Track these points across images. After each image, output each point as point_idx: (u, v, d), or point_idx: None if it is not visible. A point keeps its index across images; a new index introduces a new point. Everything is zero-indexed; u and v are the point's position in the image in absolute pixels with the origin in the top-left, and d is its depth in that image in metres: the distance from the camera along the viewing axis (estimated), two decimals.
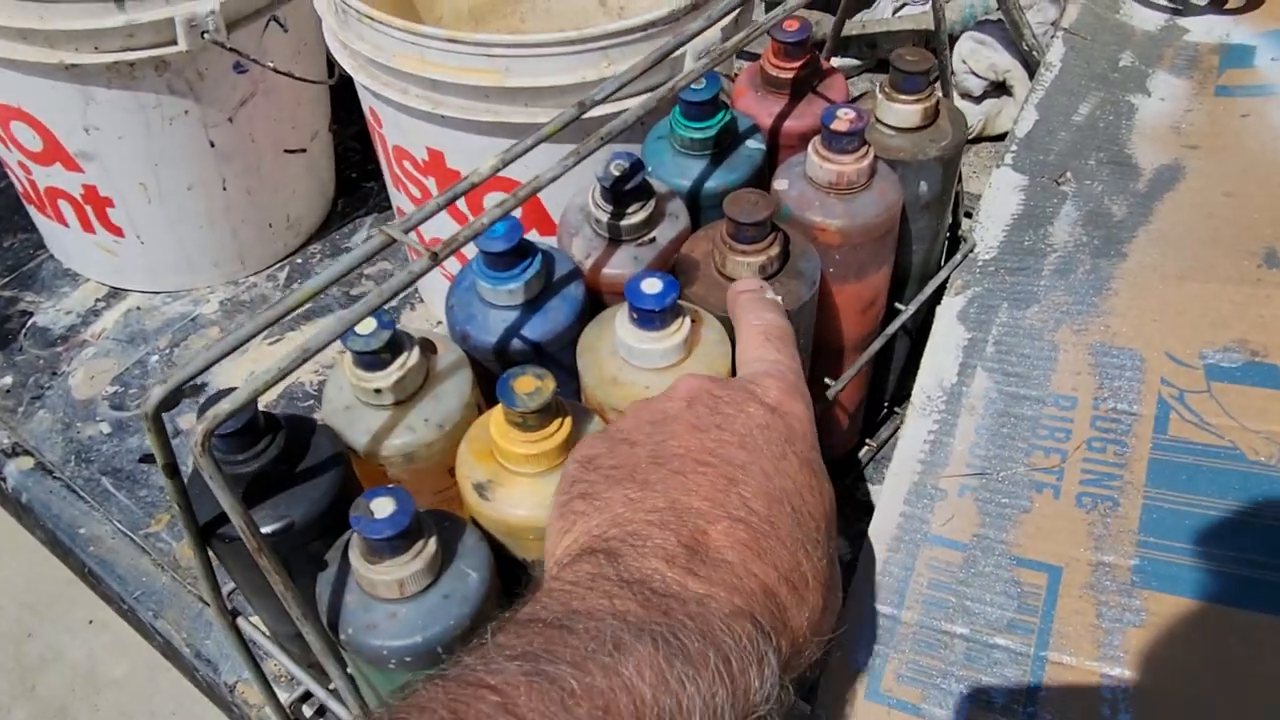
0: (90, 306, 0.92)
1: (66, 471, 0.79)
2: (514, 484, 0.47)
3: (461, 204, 0.74)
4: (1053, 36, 0.91)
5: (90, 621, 1.79)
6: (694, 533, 0.36)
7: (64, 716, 1.68)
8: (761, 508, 0.37)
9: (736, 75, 0.72)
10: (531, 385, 0.45)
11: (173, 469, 0.43)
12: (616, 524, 0.37)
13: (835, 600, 0.40)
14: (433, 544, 0.44)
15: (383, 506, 0.43)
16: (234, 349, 0.40)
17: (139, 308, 0.91)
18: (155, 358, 0.87)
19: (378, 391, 0.51)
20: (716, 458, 0.39)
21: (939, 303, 0.71)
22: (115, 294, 0.93)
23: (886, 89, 0.65)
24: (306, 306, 0.90)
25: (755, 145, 0.64)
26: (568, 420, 0.47)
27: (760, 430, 0.40)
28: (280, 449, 0.48)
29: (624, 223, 0.58)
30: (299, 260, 0.95)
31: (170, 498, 0.44)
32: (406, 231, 0.44)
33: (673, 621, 0.32)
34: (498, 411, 0.47)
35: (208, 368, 0.40)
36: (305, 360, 0.40)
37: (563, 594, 0.33)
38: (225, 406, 0.39)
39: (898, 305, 0.70)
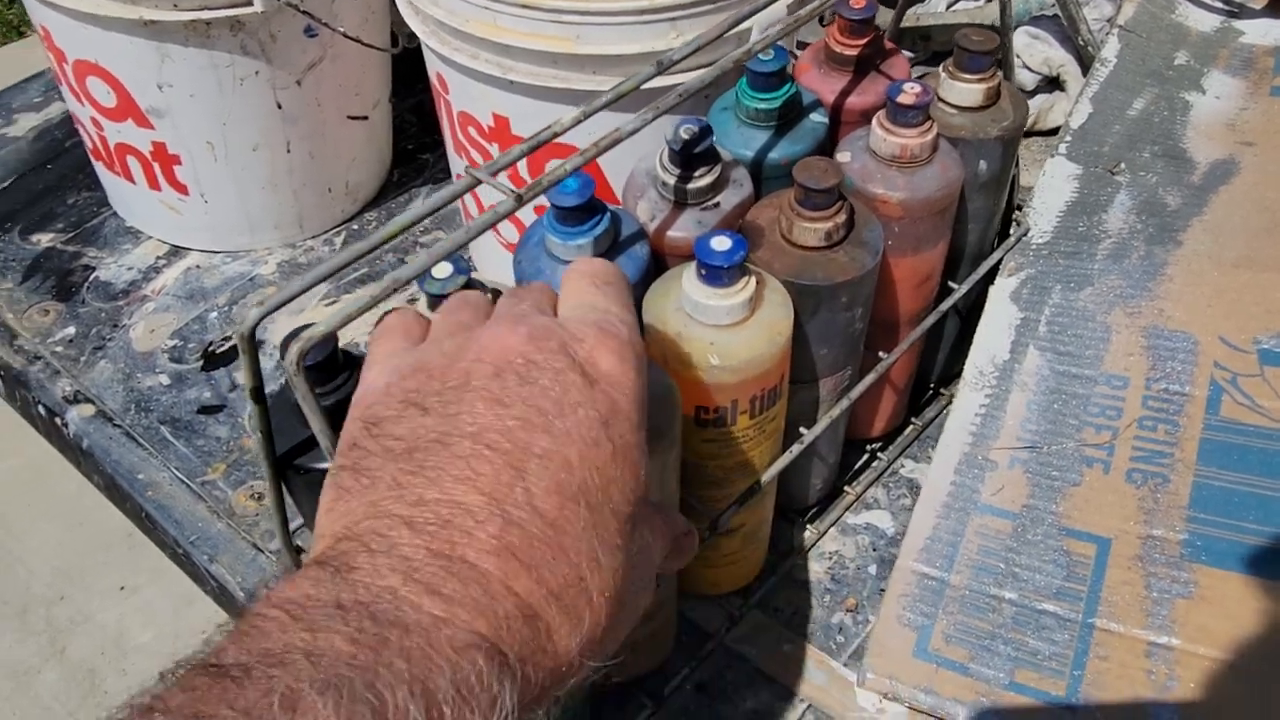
0: (151, 264, 0.94)
1: (126, 419, 0.81)
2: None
3: (524, 172, 0.76)
4: (1108, 33, 0.92)
5: (121, 587, 1.82)
6: (453, 536, 0.31)
7: (93, 679, 1.71)
8: (550, 507, 0.32)
9: (799, 55, 0.73)
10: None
11: (259, 393, 0.44)
12: (371, 515, 0.32)
13: (630, 611, 0.35)
14: None
15: None
16: (329, 275, 0.42)
17: (199, 266, 0.93)
18: (214, 314, 0.89)
19: None
20: (512, 441, 0.33)
21: (991, 284, 0.72)
22: (176, 252, 0.95)
23: (950, 68, 0.66)
24: (362, 270, 0.92)
25: (819, 119, 0.65)
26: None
27: (574, 409, 0.34)
28: (356, 385, 0.49)
29: (690, 186, 0.59)
30: (355, 226, 0.97)
31: (252, 422, 0.46)
32: (493, 175, 0.46)
33: (380, 661, 0.27)
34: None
35: (304, 291, 0.41)
36: (394, 290, 0.42)
37: (262, 625, 0.28)
38: (320, 329, 0.40)
39: (951, 284, 0.71)
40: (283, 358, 0.42)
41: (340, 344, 0.52)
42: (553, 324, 0.37)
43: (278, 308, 0.41)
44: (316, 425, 0.41)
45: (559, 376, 0.35)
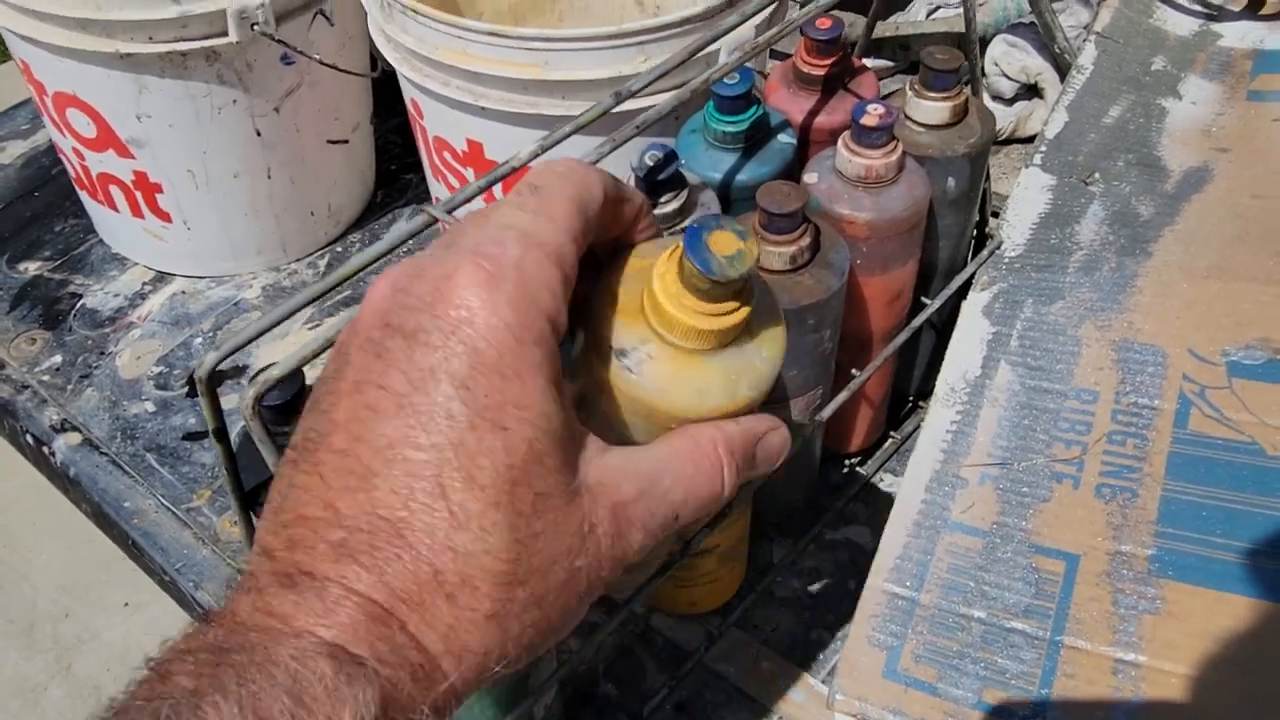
0: (137, 290, 0.95)
1: (113, 447, 0.82)
2: (670, 359, 0.37)
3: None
4: (1085, 40, 0.92)
5: (125, 604, 1.83)
6: (295, 555, 0.29)
7: (99, 695, 1.72)
8: (397, 503, 0.29)
9: (769, 74, 0.73)
10: (733, 247, 0.35)
11: (222, 433, 0.45)
12: (264, 527, 0.31)
13: (547, 580, 0.31)
14: None
15: None
16: (285, 318, 0.42)
17: (184, 292, 0.94)
18: (199, 340, 0.90)
19: None
20: (362, 441, 0.30)
21: (964, 298, 0.72)
22: (161, 278, 0.96)
23: (916, 86, 0.66)
24: (345, 293, 0.93)
25: (786, 140, 0.66)
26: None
27: (426, 375, 0.30)
28: None
29: (657, 212, 0.59)
30: (339, 249, 0.97)
31: (218, 462, 0.47)
32: (449, 213, 0.46)
33: (213, 686, 0.26)
34: (668, 265, 0.36)
35: (260, 335, 0.42)
36: None
37: (134, 691, 0.27)
38: (275, 372, 0.41)
39: (924, 299, 0.71)
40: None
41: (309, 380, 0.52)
42: (421, 263, 0.32)
43: (233, 352, 0.42)
44: (274, 466, 0.42)
45: (413, 341, 0.30)
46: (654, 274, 0.36)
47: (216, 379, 0.42)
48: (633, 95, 0.53)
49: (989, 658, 0.54)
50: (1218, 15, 0.94)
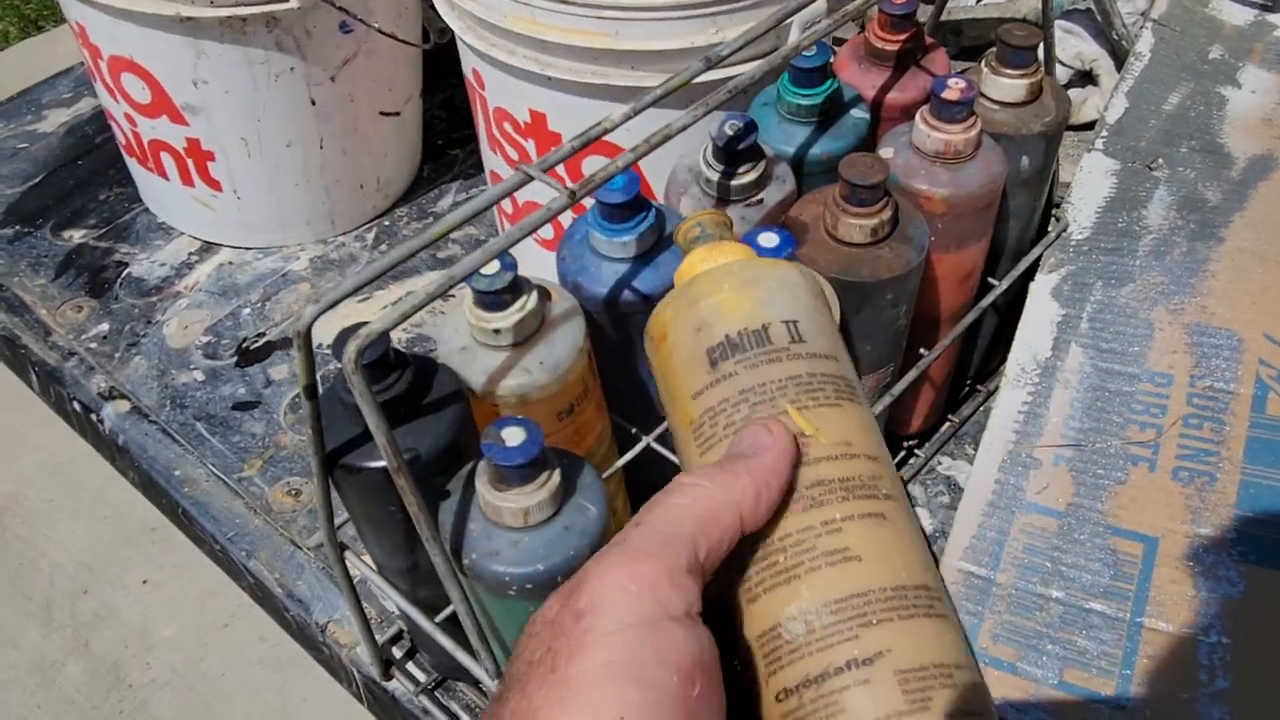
0: (184, 259, 0.94)
1: (162, 416, 0.81)
2: None
3: (560, 168, 0.76)
4: (1142, 27, 0.91)
5: (144, 582, 1.83)
6: None
7: (116, 673, 1.71)
8: None
9: (838, 51, 0.73)
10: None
11: (313, 389, 0.44)
12: None
13: None
14: (556, 476, 0.45)
15: (514, 435, 0.44)
16: (384, 273, 0.42)
17: (231, 262, 0.94)
18: (247, 310, 0.89)
19: (496, 332, 0.52)
20: None
21: (1031, 280, 0.71)
22: (207, 248, 0.95)
23: (992, 63, 0.65)
24: (398, 269, 0.92)
25: (860, 115, 0.65)
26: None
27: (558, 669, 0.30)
28: (408, 384, 0.49)
29: (734, 182, 0.59)
30: (386, 223, 0.97)
31: (305, 420, 0.46)
32: (544, 171, 0.46)
33: None
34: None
35: (360, 287, 0.41)
36: (451, 286, 0.42)
37: None
38: (376, 326, 0.40)
39: (990, 280, 0.70)
40: (336, 356, 0.42)
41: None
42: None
43: (334, 304, 0.41)
44: (373, 422, 0.41)
45: (557, 659, 0.31)
46: None
47: (265, 350, 0.42)
48: (722, 60, 0.52)
49: (1069, 638, 0.54)
50: (1273, 6, 0.94)
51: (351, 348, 0.40)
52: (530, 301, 0.52)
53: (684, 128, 0.49)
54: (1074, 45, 0.99)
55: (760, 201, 0.60)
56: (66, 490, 1.92)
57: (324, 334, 0.85)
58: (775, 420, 0.37)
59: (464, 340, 0.54)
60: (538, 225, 0.44)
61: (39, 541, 1.89)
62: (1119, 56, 0.98)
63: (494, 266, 0.51)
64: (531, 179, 0.45)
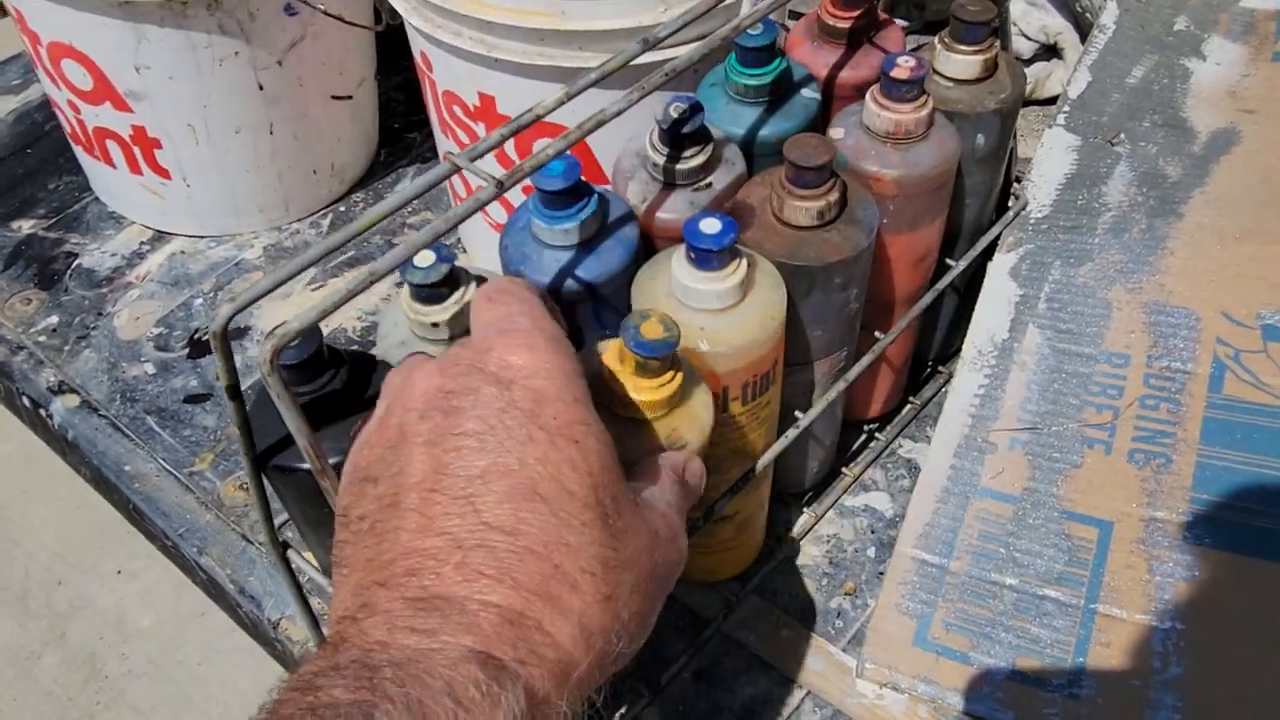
0: (135, 249, 0.92)
1: (112, 410, 0.80)
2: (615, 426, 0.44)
3: (511, 151, 0.74)
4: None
5: (119, 571, 1.82)
6: (423, 581, 0.33)
7: (93, 663, 1.71)
8: (506, 517, 0.34)
9: (790, 29, 0.71)
10: (659, 332, 0.43)
11: (235, 390, 0.43)
12: (355, 594, 0.34)
13: (649, 568, 0.37)
14: None
15: None
16: (300, 271, 0.40)
17: (183, 251, 0.92)
18: (199, 300, 0.87)
19: (435, 325, 0.51)
20: (452, 476, 0.35)
21: (990, 260, 0.70)
22: (159, 237, 0.93)
23: (946, 39, 0.64)
24: (349, 253, 0.90)
25: (810, 94, 0.64)
26: (679, 374, 0.45)
27: (498, 415, 0.35)
28: (343, 383, 0.48)
29: (680, 166, 0.57)
30: (342, 208, 0.95)
31: (221, 425, 0.45)
32: (472, 160, 0.44)
33: (376, 694, 0.29)
34: (612, 350, 0.45)
35: (275, 288, 0.40)
36: (371, 283, 0.40)
37: (277, 710, 0.30)
38: (293, 325, 0.39)
39: (948, 261, 0.69)
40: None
41: (325, 335, 0.50)
42: (459, 349, 0.39)
43: (249, 304, 0.40)
44: (293, 424, 0.40)
45: (476, 393, 0.36)
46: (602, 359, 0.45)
47: (220, 341, 0.40)
48: (660, 42, 0.51)
49: (1022, 626, 0.53)
50: None
51: (266, 348, 0.39)
52: (468, 293, 0.51)
53: (617, 113, 0.47)
54: (1038, 18, 0.98)
55: (709, 185, 0.58)
56: (38, 480, 1.90)
57: (276, 322, 0.84)
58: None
59: (403, 334, 0.53)
60: (465, 215, 0.43)
61: (12, 532, 1.88)
62: (1084, 29, 0.97)
63: (429, 258, 0.50)
64: (458, 169, 0.44)
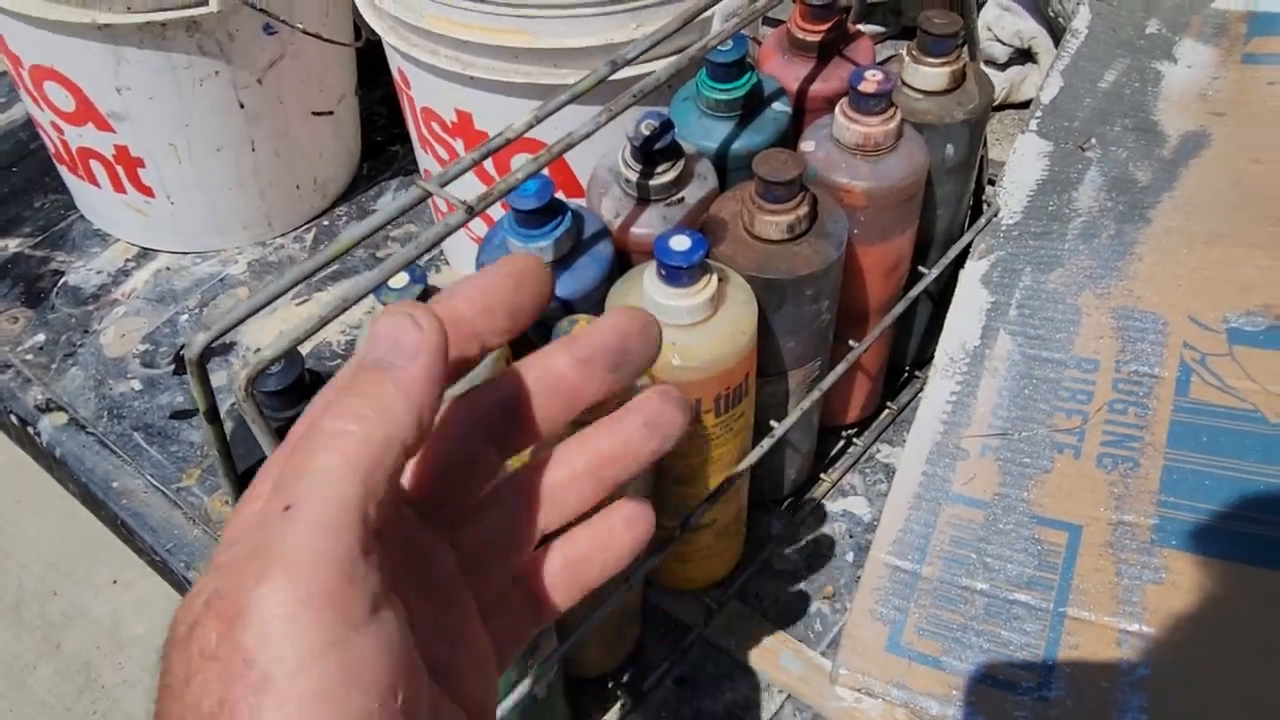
0: (120, 266, 0.93)
1: (99, 427, 0.81)
2: None
3: (490, 167, 0.75)
4: (1079, 3, 0.91)
5: (114, 581, 1.82)
6: None
7: (88, 673, 1.71)
8: None
9: (762, 42, 0.72)
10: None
11: (213, 414, 0.44)
12: None
13: None
14: None
15: None
16: (274, 298, 0.41)
17: (168, 268, 0.93)
18: (185, 317, 0.88)
19: None
20: None
21: (962, 267, 0.71)
22: (145, 254, 0.94)
23: (914, 52, 0.65)
24: (333, 268, 0.91)
25: (781, 108, 0.65)
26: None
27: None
28: None
29: (653, 182, 0.58)
30: (325, 222, 0.96)
31: (210, 445, 0.46)
32: (442, 186, 0.45)
33: None
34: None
35: (249, 315, 0.41)
36: (345, 309, 0.41)
37: None
38: (267, 354, 0.40)
39: (921, 269, 0.70)
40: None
41: (310, 348, 0.51)
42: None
43: (224, 332, 0.40)
44: (269, 450, 0.41)
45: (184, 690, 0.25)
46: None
47: (205, 358, 0.41)
48: (629, 63, 0.52)
49: (993, 630, 0.54)
50: None
51: (242, 377, 0.40)
52: None
53: (588, 134, 0.48)
54: (1012, 23, 0.99)
55: (681, 200, 0.59)
56: (31, 491, 1.91)
57: (263, 339, 0.85)
58: (423, 310, 0.29)
59: None
60: (437, 241, 0.44)
61: (5, 542, 1.88)
62: (1057, 34, 0.98)
63: (403, 280, 0.51)
64: (429, 195, 0.45)
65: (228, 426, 0.46)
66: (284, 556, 0.26)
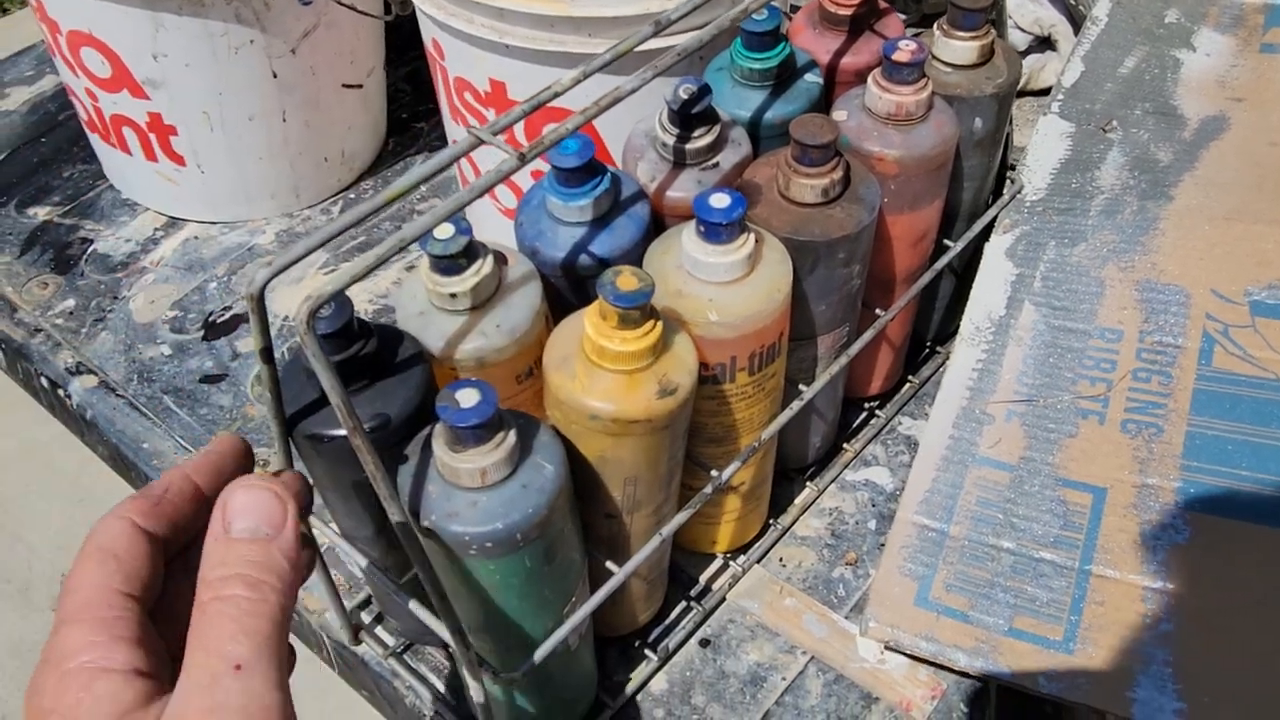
0: (149, 235, 0.94)
1: (129, 390, 0.82)
2: (599, 378, 0.49)
3: (521, 136, 0.76)
4: None
5: None
6: None
7: None
8: None
9: (793, 16, 0.73)
10: (634, 284, 0.47)
11: (269, 354, 0.45)
12: None
13: None
14: (512, 435, 0.46)
15: (468, 397, 0.45)
16: (335, 236, 0.42)
17: (197, 237, 0.94)
18: (214, 285, 0.89)
19: (453, 296, 0.53)
20: None
21: (987, 241, 0.72)
22: (173, 223, 0.95)
23: (944, 26, 0.66)
24: (359, 239, 0.92)
25: (813, 79, 0.66)
26: (659, 323, 0.48)
27: None
28: (372, 351, 0.50)
29: (689, 146, 0.59)
30: (351, 195, 0.97)
31: (263, 384, 0.47)
32: (495, 134, 0.46)
33: None
34: (592, 309, 0.48)
35: (310, 253, 0.42)
36: (401, 247, 0.42)
37: None
38: (328, 287, 0.41)
39: (946, 242, 0.71)
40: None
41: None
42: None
43: (285, 268, 0.42)
44: (327, 383, 0.42)
45: None
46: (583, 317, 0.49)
47: (232, 324, 0.42)
48: (671, 24, 0.53)
49: (1019, 586, 0.55)
50: None
51: (303, 308, 0.40)
52: (486, 266, 0.53)
53: (631, 91, 0.49)
54: (1033, 11, 1.00)
55: (716, 165, 0.60)
56: (41, 474, 1.92)
57: (289, 308, 0.86)
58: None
59: (421, 305, 0.55)
60: (489, 186, 0.45)
61: (15, 525, 1.89)
62: (1077, 21, 0.99)
63: (448, 230, 0.52)
64: (481, 142, 0.46)
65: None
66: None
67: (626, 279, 0.47)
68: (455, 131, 0.83)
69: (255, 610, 0.34)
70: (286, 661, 0.34)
